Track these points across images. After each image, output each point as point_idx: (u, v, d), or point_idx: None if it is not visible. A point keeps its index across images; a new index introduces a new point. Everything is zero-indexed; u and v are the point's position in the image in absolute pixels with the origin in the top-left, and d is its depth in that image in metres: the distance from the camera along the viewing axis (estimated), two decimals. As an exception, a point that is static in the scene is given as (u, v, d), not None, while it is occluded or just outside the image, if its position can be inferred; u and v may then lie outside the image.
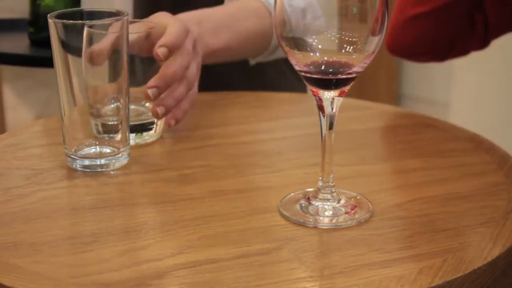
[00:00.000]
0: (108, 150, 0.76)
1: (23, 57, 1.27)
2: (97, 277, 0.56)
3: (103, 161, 0.75)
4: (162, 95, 0.82)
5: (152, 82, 0.81)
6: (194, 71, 0.86)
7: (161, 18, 0.87)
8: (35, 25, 1.28)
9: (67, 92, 0.74)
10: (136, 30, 0.84)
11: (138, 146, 0.81)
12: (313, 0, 0.60)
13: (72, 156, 0.75)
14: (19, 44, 1.32)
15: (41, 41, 1.29)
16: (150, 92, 0.80)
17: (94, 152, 0.76)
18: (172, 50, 0.82)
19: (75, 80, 0.73)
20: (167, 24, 0.84)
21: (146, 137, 0.83)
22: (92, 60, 0.75)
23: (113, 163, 0.76)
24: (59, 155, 0.78)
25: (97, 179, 0.73)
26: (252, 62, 1.07)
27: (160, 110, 0.81)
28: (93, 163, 0.75)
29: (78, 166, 0.75)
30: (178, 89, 0.84)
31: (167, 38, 0.82)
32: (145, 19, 0.87)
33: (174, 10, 0.92)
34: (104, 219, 0.65)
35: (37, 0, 1.25)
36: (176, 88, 0.83)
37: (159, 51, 0.81)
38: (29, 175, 0.74)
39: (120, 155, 0.76)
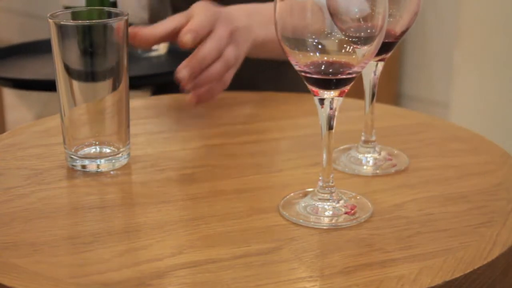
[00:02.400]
0: (108, 150, 0.76)
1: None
2: (97, 277, 0.56)
3: (103, 161, 0.75)
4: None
5: (182, 63, 0.82)
6: (231, 55, 0.86)
7: (195, 8, 0.87)
8: None
9: (67, 92, 0.74)
10: (177, 20, 0.86)
11: (138, 146, 0.81)
12: None
13: (72, 156, 0.75)
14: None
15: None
16: (181, 74, 0.81)
17: (94, 152, 0.76)
18: (198, 36, 0.83)
19: (75, 81, 0.73)
20: (195, 13, 0.85)
21: None
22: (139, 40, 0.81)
23: (113, 163, 0.76)
24: (59, 155, 0.78)
25: (97, 179, 0.73)
26: None
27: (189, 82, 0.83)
28: (93, 163, 0.75)
29: (78, 166, 0.75)
30: (213, 66, 0.84)
31: (190, 25, 0.83)
32: (185, 11, 0.89)
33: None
34: (104, 219, 0.65)
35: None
36: (210, 67, 0.84)
37: (184, 38, 0.82)
38: (29, 175, 0.74)
39: (120, 155, 0.76)
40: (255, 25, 0.93)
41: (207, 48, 0.84)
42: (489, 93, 2.16)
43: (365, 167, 0.76)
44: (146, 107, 0.95)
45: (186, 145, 0.83)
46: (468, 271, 0.57)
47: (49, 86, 1.08)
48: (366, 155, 0.77)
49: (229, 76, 0.89)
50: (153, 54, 1.24)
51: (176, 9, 1.19)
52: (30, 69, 1.21)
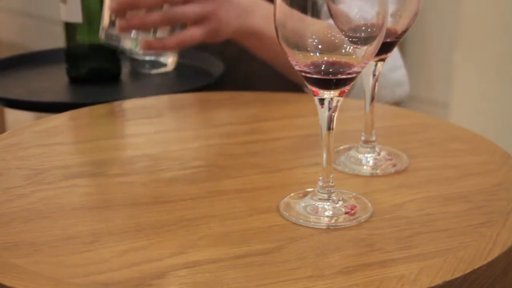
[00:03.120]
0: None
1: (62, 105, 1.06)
2: (97, 277, 0.56)
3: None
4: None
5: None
6: (189, 11, 0.88)
7: None
8: (72, 61, 1.13)
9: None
10: None
11: (138, 146, 0.81)
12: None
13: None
14: (56, 83, 1.16)
15: (81, 78, 1.13)
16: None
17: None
18: None
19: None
20: None
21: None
22: None
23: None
24: (59, 155, 0.78)
25: (97, 179, 0.73)
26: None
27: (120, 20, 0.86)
28: None
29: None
30: (150, 14, 0.87)
31: None
32: None
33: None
34: (104, 219, 0.65)
35: (73, 34, 1.11)
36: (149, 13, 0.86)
37: None
38: (29, 175, 0.74)
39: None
40: (257, 14, 0.93)
41: None
42: (489, 93, 2.16)
43: (365, 167, 0.76)
44: (146, 107, 0.95)
45: (186, 145, 0.83)
46: (468, 271, 0.57)
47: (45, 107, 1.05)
48: (366, 155, 0.77)
49: (183, 35, 0.89)
50: (161, 71, 1.19)
51: None
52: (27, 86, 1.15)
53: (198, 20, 0.89)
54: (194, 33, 0.89)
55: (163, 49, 0.89)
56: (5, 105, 1.08)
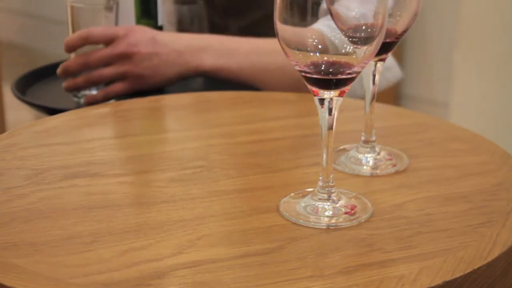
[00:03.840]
0: None
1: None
2: (97, 277, 0.56)
3: None
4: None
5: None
6: (110, 72, 1.02)
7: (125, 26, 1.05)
8: None
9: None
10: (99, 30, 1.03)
11: (138, 146, 0.81)
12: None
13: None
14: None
15: None
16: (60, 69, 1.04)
17: None
18: (72, 44, 1.03)
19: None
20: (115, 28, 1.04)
21: None
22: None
23: None
24: (59, 155, 0.78)
25: (97, 179, 0.73)
26: None
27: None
28: None
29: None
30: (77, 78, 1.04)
31: (84, 32, 1.02)
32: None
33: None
34: (104, 219, 0.65)
35: None
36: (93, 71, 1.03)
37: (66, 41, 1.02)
38: (29, 175, 0.74)
39: None
40: (201, 54, 1.05)
41: (90, 55, 1.02)
42: (489, 93, 2.16)
43: (365, 167, 0.76)
44: (146, 107, 0.95)
45: (186, 145, 0.83)
46: (468, 271, 0.57)
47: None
48: (366, 155, 0.77)
49: (112, 89, 1.03)
50: None
51: (213, 25, 1.21)
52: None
53: (118, 78, 1.03)
54: (116, 88, 1.03)
55: (97, 101, 1.03)
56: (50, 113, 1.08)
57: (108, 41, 1.02)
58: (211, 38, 1.09)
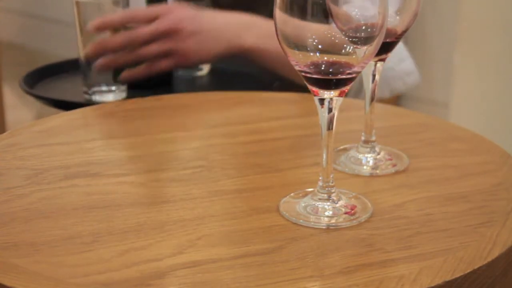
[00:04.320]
0: None
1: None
2: (97, 277, 0.56)
3: None
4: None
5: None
6: (153, 49, 1.03)
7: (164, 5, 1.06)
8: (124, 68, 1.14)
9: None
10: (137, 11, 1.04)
11: (138, 146, 0.81)
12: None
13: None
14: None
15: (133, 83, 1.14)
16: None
17: None
18: (107, 24, 1.01)
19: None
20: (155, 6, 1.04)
21: None
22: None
23: None
24: (59, 155, 0.78)
25: (97, 179, 0.73)
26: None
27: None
28: None
29: None
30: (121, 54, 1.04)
31: (126, 13, 1.02)
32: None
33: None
34: (104, 219, 0.65)
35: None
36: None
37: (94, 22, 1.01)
38: (29, 175, 0.74)
39: None
40: (252, 32, 1.05)
41: (134, 32, 1.02)
42: (489, 93, 2.16)
43: (365, 167, 0.76)
44: (147, 107, 0.95)
45: (186, 145, 0.83)
46: (468, 271, 0.57)
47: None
48: (366, 155, 0.77)
49: (157, 66, 1.04)
50: (197, 74, 1.22)
51: (217, 3, 1.22)
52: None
53: (163, 55, 1.05)
54: (162, 64, 1.05)
55: (138, 77, 1.05)
56: (57, 106, 1.09)
57: (151, 19, 1.02)
58: (254, 18, 1.09)
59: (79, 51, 1.06)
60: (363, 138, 0.78)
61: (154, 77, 1.10)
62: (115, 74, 1.08)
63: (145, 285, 0.55)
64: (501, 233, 0.62)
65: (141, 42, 1.02)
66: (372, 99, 0.76)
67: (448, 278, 0.56)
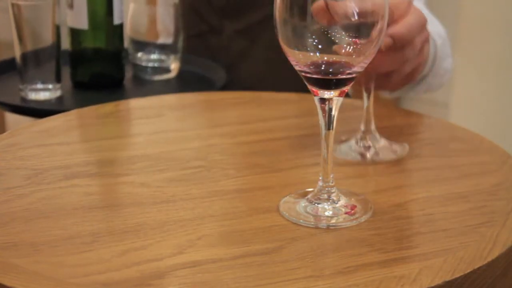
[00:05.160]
0: None
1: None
2: (97, 277, 0.56)
3: None
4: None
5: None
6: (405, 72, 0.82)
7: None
8: (76, 66, 1.12)
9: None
10: None
11: (138, 146, 0.81)
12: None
13: None
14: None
15: (84, 83, 1.13)
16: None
17: None
18: (398, 43, 0.75)
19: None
20: (405, 11, 0.76)
21: None
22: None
23: None
24: (59, 155, 0.78)
25: (97, 179, 0.73)
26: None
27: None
28: None
29: None
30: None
31: (399, 29, 0.74)
32: None
33: None
34: (104, 219, 0.65)
35: (77, 40, 1.11)
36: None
37: (386, 40, 0.73)
38: (29, 175, 0.74)
39: None
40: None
41: (393, 61, 0.78)
42: (489, 93, 2.16)
43: (366, 154, 0.78)
44: (146, 107, 0.95)
45: (186, 145, 0.83)
46: (468, 271, 0.57)
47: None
48: (367, 142, 0.79)
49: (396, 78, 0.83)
50: (164, 77, 1.17)
51: (209, 26, 1.20)
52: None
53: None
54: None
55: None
56: (7, 110, 1.08)
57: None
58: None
59: (15, 50, 1.06)
60: (362, 128, 0.79)
61: (107, 77, 1.09)
62: (57, 72, 1.07)
63: (145, 285, 0.55)
64: (501, 233, 0.62)
65: (400, 64, 0.81)
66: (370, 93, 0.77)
67: (448, 278, 0.56)
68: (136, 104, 0.95)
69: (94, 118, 0.92)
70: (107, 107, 0.94)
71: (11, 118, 2.54)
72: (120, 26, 1.11)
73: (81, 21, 1.08)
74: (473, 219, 0.65)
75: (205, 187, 0.71)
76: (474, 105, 2.20)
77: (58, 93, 1.07)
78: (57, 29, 1.05)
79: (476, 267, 0.57)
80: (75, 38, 1.10)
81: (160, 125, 0.90)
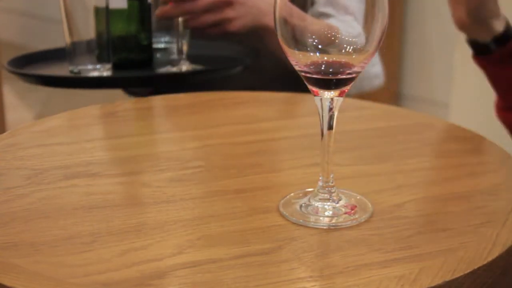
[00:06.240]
0: None
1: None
2: (97, 277, 0.56)
3: None
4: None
5: None
6: (209, 19, 1.09)
7: None
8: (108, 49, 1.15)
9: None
10: None
11: (138, 146, 0.81)
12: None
13: None
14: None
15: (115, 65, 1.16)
16: None
17: None
18: None
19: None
20: None
21: None
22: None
23: None
24: (59, 155, 0.78)
25: (97, 179, 0.73)
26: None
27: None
28: None
29: None
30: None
31: None
32: None
33: None
34: (104, 219, 0.65)
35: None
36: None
37: None
38: (29, 175, 0.74)
39: None
40: (270, 13, 1.05)
41: (196, 2, 1.07)
42: (489, 93, 2.15)
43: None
44: (146, 107, 0.95)
45: (186, 145, 0.83)
46: (468, 271, 0.57)
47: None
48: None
49: (210, 32, 1.10)
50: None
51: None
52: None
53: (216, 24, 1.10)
54: (211, 31, 1.10)
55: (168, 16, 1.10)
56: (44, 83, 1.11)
57: None
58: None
59: (66, 37, 1.09)
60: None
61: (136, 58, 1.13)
62: (100, 54, 1.09)
63: (145, 285, 0.55)
64: (501, 233, 0.62)
65: (199, 11, 1.09)
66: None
67: (448, 278, 0.56)
68: (136, 104, 0.95)
69: (94, 118, 0.92)
70: (107, 107, 0.95)
71: (11, 118, 2.54)
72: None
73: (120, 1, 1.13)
74: (473, 219, 0.65)
75: (205, 187, 0.71)
76: (474, 105, 2.20)
77: (109, 73, 1.10)
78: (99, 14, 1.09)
79: (476, 267, 0.57)
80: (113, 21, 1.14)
81: (160, 125, 0.90)
